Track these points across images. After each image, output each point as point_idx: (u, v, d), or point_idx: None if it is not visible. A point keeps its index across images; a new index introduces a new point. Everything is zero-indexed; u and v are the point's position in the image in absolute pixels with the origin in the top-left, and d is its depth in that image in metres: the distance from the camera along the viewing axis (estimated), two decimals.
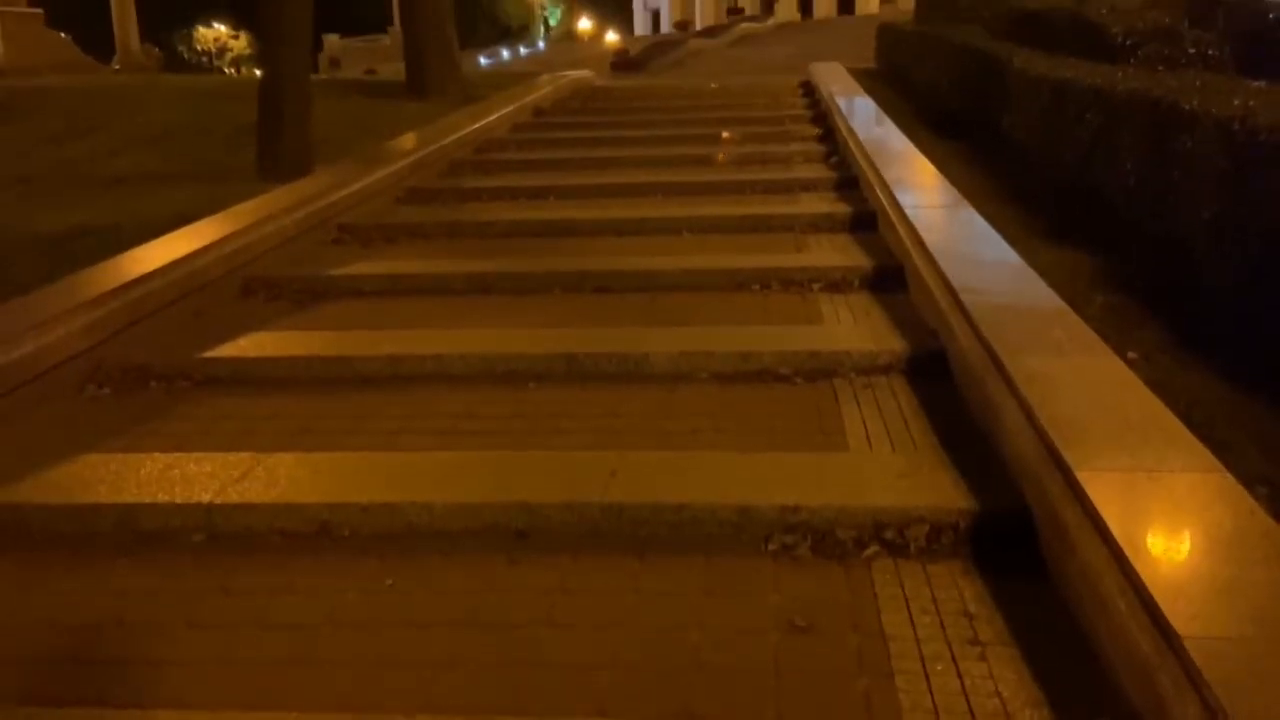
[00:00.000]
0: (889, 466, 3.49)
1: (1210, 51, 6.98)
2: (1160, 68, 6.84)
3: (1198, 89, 5.33)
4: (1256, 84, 5.41)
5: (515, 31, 79.17)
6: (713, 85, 16.65)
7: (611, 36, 72.40)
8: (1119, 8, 9.55)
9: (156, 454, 3.72)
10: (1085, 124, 6.11)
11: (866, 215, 7.02)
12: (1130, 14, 8.22)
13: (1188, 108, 4.82)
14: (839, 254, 6.29)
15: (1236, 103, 4.66)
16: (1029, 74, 7.24)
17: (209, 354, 4.71)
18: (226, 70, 68.90)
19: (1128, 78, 5.97)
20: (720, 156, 9.94)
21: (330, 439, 3.92)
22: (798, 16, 54.91)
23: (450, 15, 15.37)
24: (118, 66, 21.07)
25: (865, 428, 3.88)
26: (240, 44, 71.89)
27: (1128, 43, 7.22)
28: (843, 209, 7.30)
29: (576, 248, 6.83)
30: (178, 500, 3.34)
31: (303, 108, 9.57)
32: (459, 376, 4.60)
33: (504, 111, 12.11)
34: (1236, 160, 4.25)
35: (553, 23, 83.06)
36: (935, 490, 3.23)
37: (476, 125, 11.07)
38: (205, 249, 5.63)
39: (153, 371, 4.61)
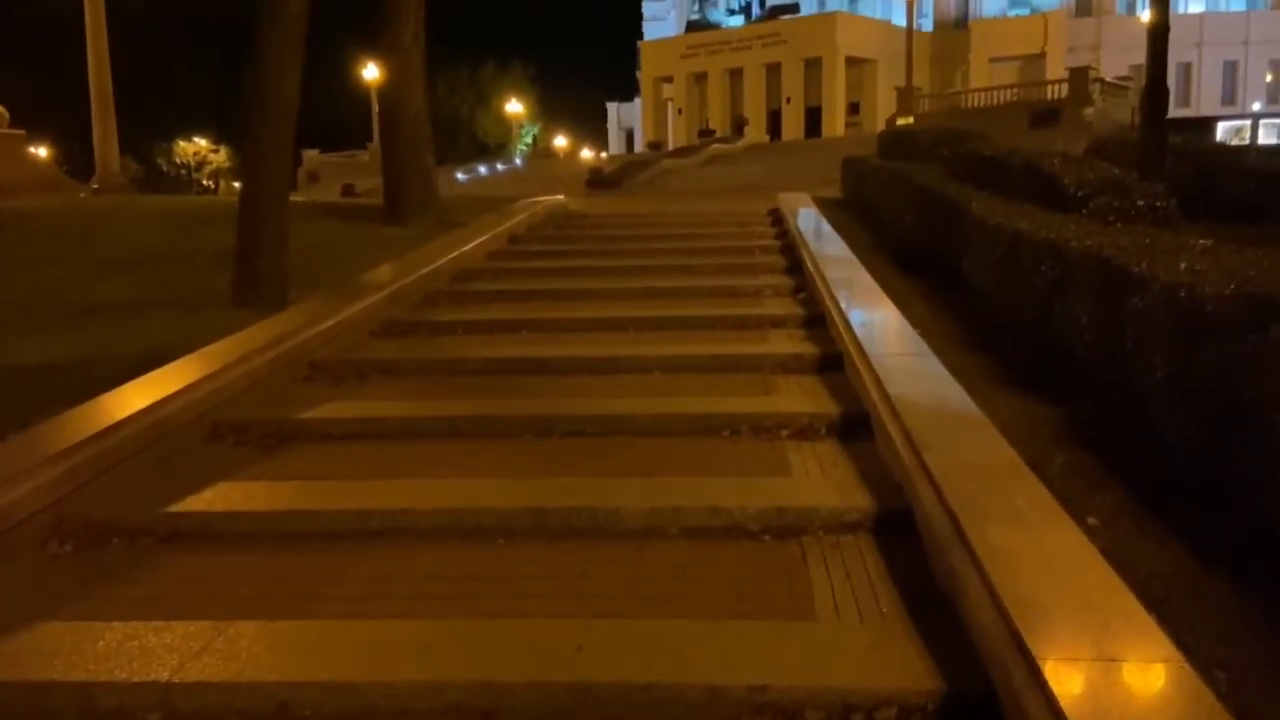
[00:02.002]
0: (857, 640, 3.49)
1: (1159, 204, 7.28)
2: (1111, 218, 7.12)
3: (1147, 247, 5.55)
4: (1202, 243, 5.63)
5: (493, 148, 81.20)
6: (684, 210, 17.13)
7: (587, 154, 74.43)
8: (1070, 155, 10.00)
9: (115, 623, 3.65)
10: (1041, 275, 6.32)
11: (833, 356, 7.14)
12: (1081, 163, 8.59)
13: (1136, 270, 5.01)
14: (807, 398, 6.38)
15: (1183, 266, 4.85)
16: (987, 222, 7.51)
17: (173, 508, 4.67)
18: (205, 183, 69.85)
19: (1080, 233, 6.21)
20: (692, 286, 10.12)
21: (294, 605, 3.87)
22: (767, 138, 56.71)
23: (429, 145, 15.81)
24: (96, 185, 21.32)
25: (833, 593, 3.88)
26: (220, 157, 73.14)
27: (1079, 194, 7.53)
28: (811, 350, 7.44)
29: (549, 388, 6.89)
30: (135, 678, 3.28)
31: (280, 237, 9.74)
32: (427, 531, 4.58)
33: (479, 240, 12.34)
34: (1185, 326, 4.40)
35: (530, 140, 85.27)
36: (903, 668, 3.23)
37: (452, 255, 11.27)
38: (174, 395, 5.63)
39: (116, 527, 4.55)
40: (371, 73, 42.26)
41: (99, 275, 10.68)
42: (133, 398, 5.57)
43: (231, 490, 4.95)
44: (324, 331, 7.67)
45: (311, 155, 57.38)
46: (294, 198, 13.09)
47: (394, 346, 8.08)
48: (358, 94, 57.17)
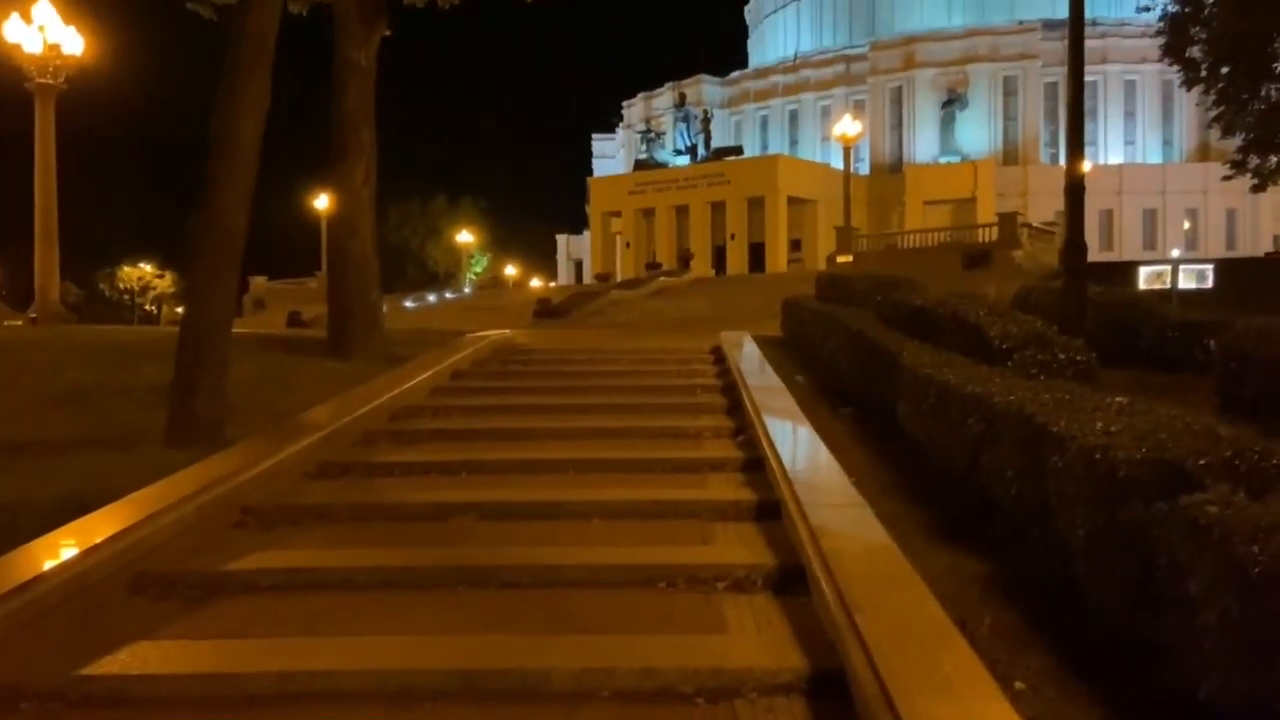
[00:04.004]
0: None
1: (1079, 358, 7.59)
2: (1035, 371, 7.40)
3: (1066, 404, 5.77)
4: (1118, 400, 5.85)
5: (442, 277, 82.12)
6: (629, 346, 17.37)
7: (536, 283, 75.64)
8: (999, 302, 10.43)
9: None
10: (969, 428, 6.50)
11: (771, 504, 7.18)
12: (1005, 316, 8.95)
13: (1055, 430, 5.19)
14: (744, 548, 6.39)
15: (1099, 426, 5.04)
16: (917, 372, 7.75)
17: (87, 670, 4.48)
18: (148, 308, 69.10)
19: (1005, 387, 6.44)
20: (634, 427, 10.18)
21: None
22: (712, 272, 58.13)
23: (376, 281, 15.97)
24: (34, 314, 21.07)
25: None
26: (165, 282, 72.70)
27: (1004, 346, 7.83)
28: (749, 496, 7.48)
29: (486, 535, 6.82)
30: None
31: (219, 375, 9.65)
32: (352, 694, 4.45)
33: (422, 377, 12.34)
34: (1101, 488, 4.55)
35: (479, 269, 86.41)
36: None
37: (394, 392, 11.24)
38: (96, 547, 5.47)
39: (27, 691, 4.35)
40: (322, 202, 42.91)
41: (29, 411, 10.45)
42: (52, 550, 5.40)
43: (149, 650, 4.78)
44: (257, 475, 7.55)
45: (258, 282, 57.49)
46: (238, 327, 13.01)
47: (329, 490, 7.97)
48: (308, 221, 57.79)
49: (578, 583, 5.86)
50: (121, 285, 72.84)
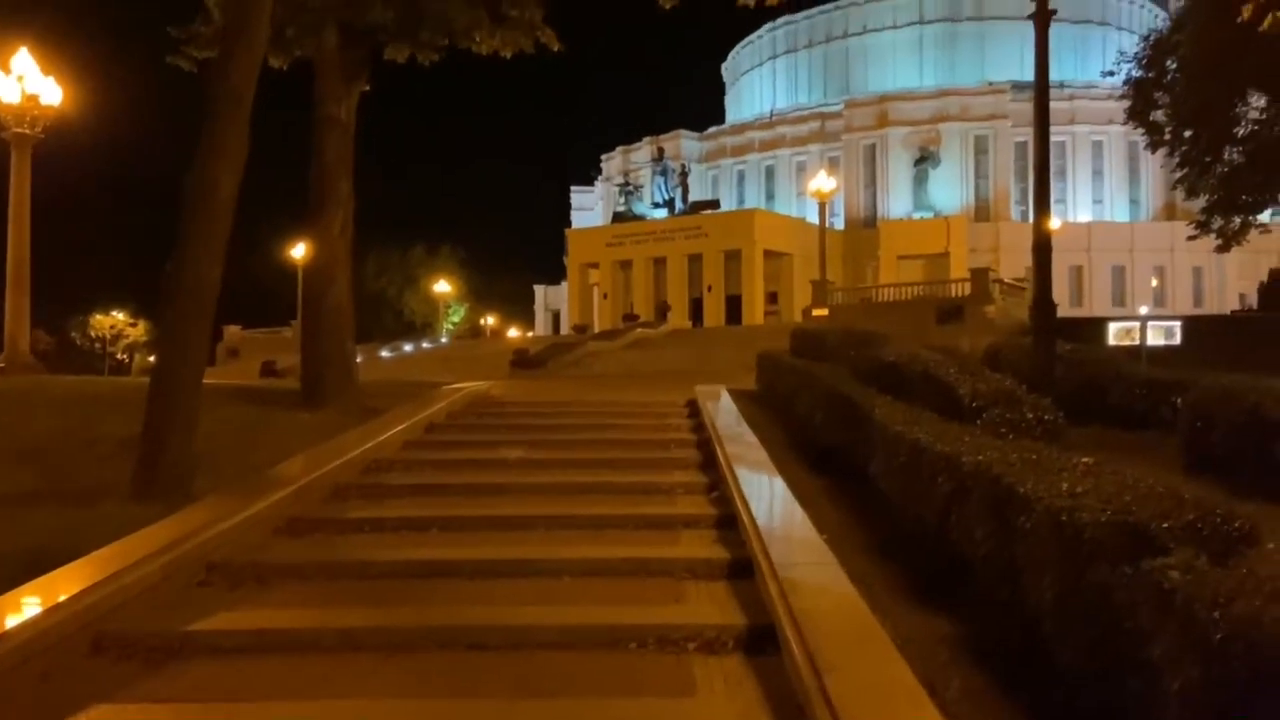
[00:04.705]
0: None
1: (1047, 417, 7.68)
2: (1004, 430, 7.47)
3: (1033, 464, 5.81)
4: (1084, 461, 5.90)
5: (420, 326, 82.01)
6: (604, 399, 17.37)
7: (514, 333, 75.71)
8: (970, 358, 10.54)
9: None
10: (939, 486, 6.54)
11: (743, 561, 7.16)
12: (976, 374, 9.05)
13: (1022, 490, 5.24)
14: (716, 608, 6.37)
15: (1065, 487, 5.08)
16: (889, 429, 7.80)
17: None
18: (120, 356, 68.38)
19: (974, 446, 6.49)
20: (607, 482, 10.15)
21: None
22: (689, 324, 58.43)
23: (351, 331, 15.93)
24: (2, 365, 20.81)
25: None
26: (138, 330, 72.03)
27: (974, 404, 7.91)
28: (721, 554, 7.46)
29: (456, 594, 6.75)
30: None
31: (188, 429, 9.55)
32: None
33: (395, 430, 12.27)
34: (1067, 550, 4.58)
35: (456, 319, 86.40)
36: None
37: (366, 445, 11.15)
38: (55, 608, 5.38)
39: None
40: (299, 251, 42.93)
41: None
42: (12, 609, 5.30)
43: (109, 713, 4.70)
44: (224, 531, 7.45)
45: (233, 331, 57.21)
46: (210, 377, 12.85)
47: (297, 547, 7.88)
48: (284, 269, 57.65)
49: (547, 644, 5.80)
50: (93, 333, 72.12)
